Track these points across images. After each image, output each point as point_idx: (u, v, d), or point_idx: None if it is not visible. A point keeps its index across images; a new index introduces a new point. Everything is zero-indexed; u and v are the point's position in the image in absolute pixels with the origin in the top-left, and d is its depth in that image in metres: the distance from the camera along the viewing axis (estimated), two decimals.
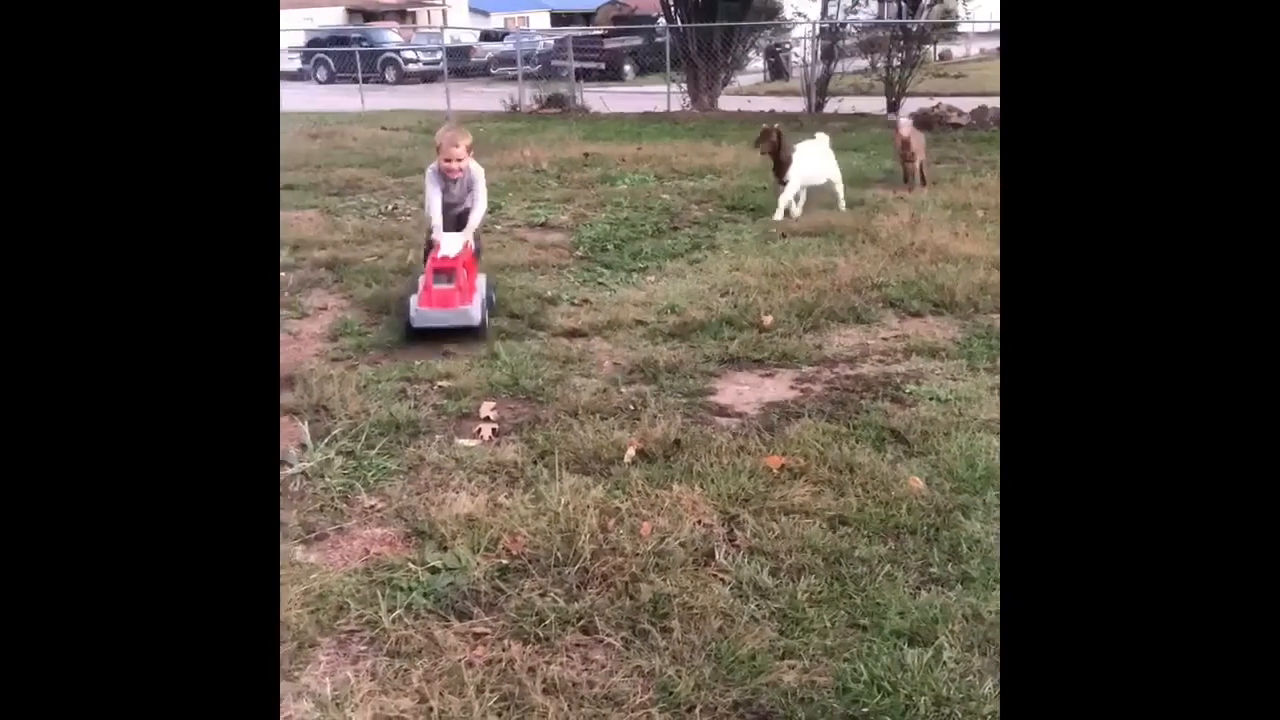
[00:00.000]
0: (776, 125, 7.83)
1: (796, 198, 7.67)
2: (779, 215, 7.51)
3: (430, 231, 5.04)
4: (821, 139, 7.98)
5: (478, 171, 5.17)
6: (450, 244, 4.83)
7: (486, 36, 33.10)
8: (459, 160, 5.04)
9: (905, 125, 8.77)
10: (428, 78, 26.73)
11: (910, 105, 15.07)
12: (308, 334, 5.07)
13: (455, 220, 5.14)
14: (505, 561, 2.81)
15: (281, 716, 2.25)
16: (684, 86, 17.90)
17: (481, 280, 4.94)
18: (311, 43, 29.65)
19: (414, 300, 4.69)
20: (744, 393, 4.20)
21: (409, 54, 29.24)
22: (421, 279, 4.82)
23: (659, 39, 19.86)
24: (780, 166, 7.59)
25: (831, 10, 17.85)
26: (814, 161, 7.75)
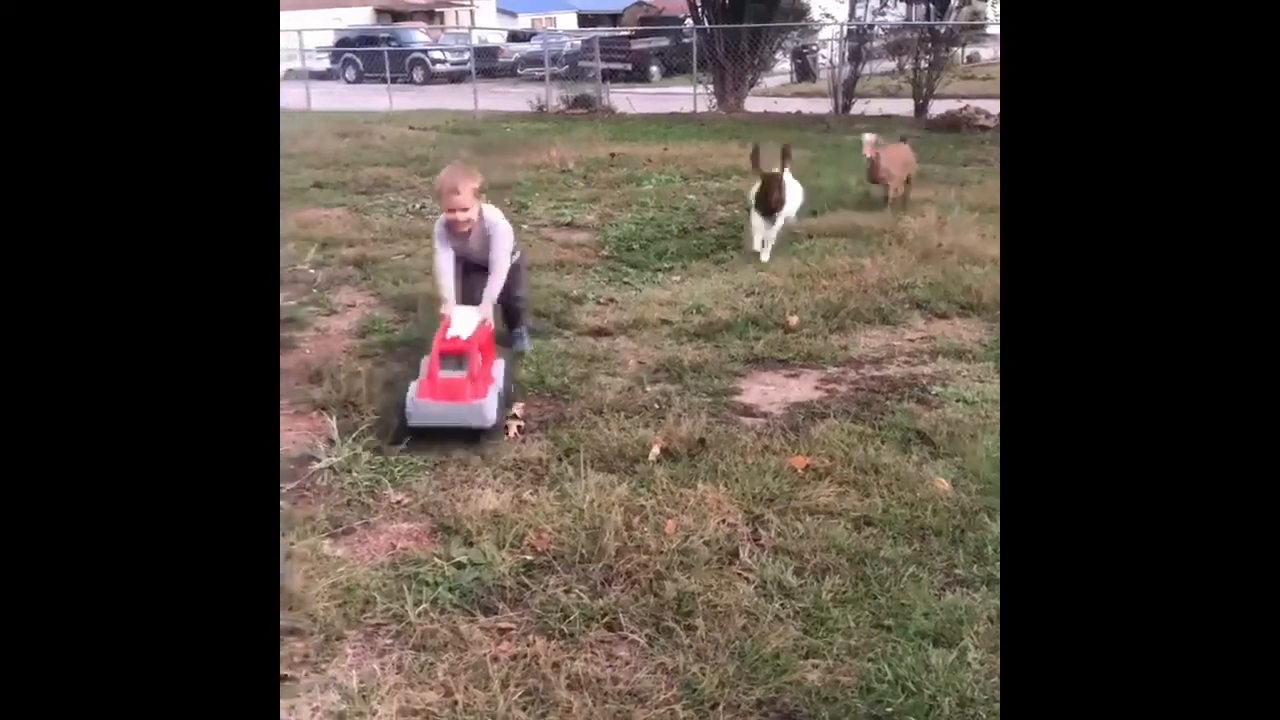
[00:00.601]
0: (786, 144, 6.75)
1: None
2: (765, 255, 6.36)
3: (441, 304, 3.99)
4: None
5: (496, 220, 4.04)
6: (463, 322, 3.81)
7: (514, 37, 33.23)
8: (464, 210, 3.92)
9: (869, 144, 7.65)
10: (455, 78, 26.81)
11: (938, 107, 15.02)
12: (336, 330, 5.11)
13: (475, 285, 4.09)
14: (530, 558, 2.83)
15: (309, 708, 2.28)
16: (710, 87, 17.90)
17: (499, 366, 3.88)
18: (340, 42, 29.84)
19: (413, 389, 3.62)
20: (769, 392, 4.20)
21: (437, 54, 29.37)
22: (425, 361, 3.77)
23: (685, 40, 19.85)
24: (776, 201, 6.31)
25: (859, 12, 17.80)
26: (797, 190, 6.71)
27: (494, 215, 4.02)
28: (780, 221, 6.47)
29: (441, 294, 4.01)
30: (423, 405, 3.56)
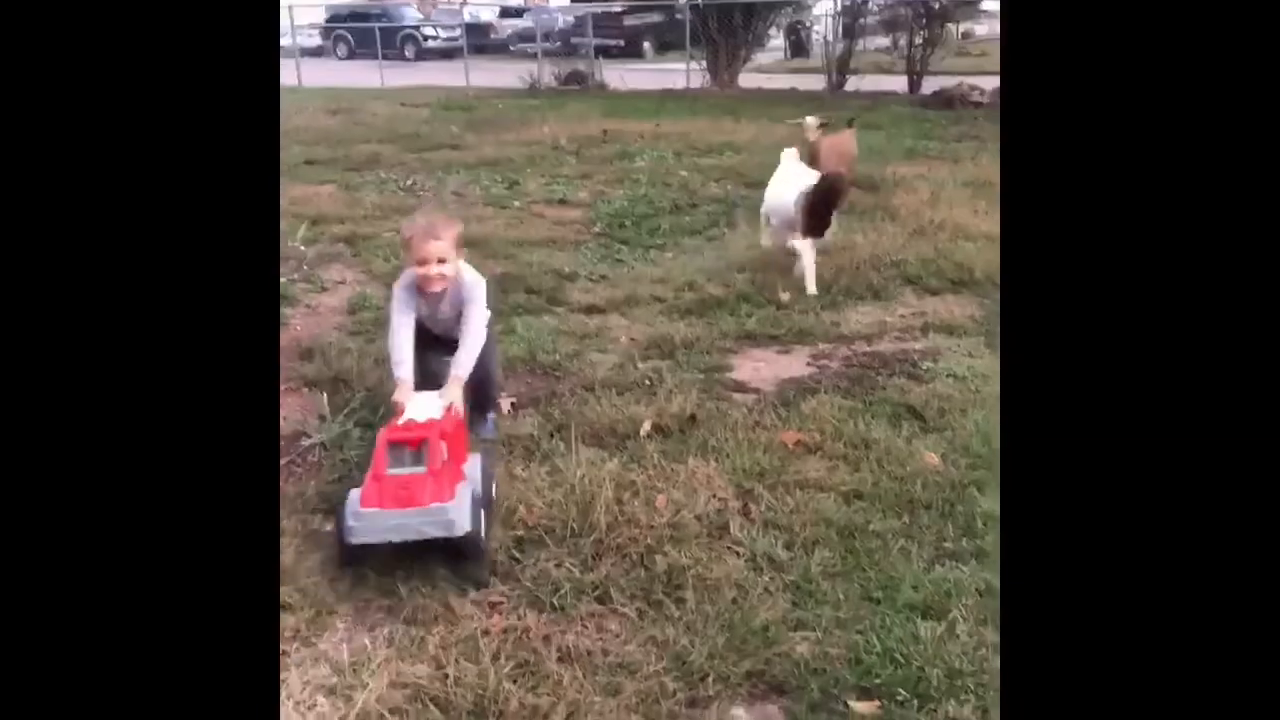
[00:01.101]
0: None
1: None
2: (811, 285, 5.12)
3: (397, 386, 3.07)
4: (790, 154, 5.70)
5: (473, 281, 3.19)
6: (421, 411, 2.90)
7: (506, 13, 32.89)
8: (440, 262, 3.07)
9: (810, 128, 6.62)
10: (447, 54, 26.63)
11: (932, 84, 14.96)
12: (326, 308, 5.10)
13: (434, 362, 3.23)
14: (521, 533, 2.83)
15: (300, 681, 2.29)
16: (704, 64, 17.80)
17: (475, 462, 2.89)
18: (332, 19, 29.59)
19: (353, 497, 2.66)
20: (760, 369, 4.21)
21: (429, 30, 29.15)
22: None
23: (679, 16, 19.71)
24: (825, 219, 5.14)
25: None
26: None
27: (471, 275, 3.17)
28: (828, 238, 5.27)
29: (395, 373, 3.08)
30: (368, 516, 2.61)
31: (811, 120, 6.86)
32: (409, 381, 3.06)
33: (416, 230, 3.09)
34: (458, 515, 2.61)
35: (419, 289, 3.14)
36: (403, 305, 3.15)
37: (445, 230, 3.09)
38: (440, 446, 2.72)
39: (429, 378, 3.17)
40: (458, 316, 3.18)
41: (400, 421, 2.83)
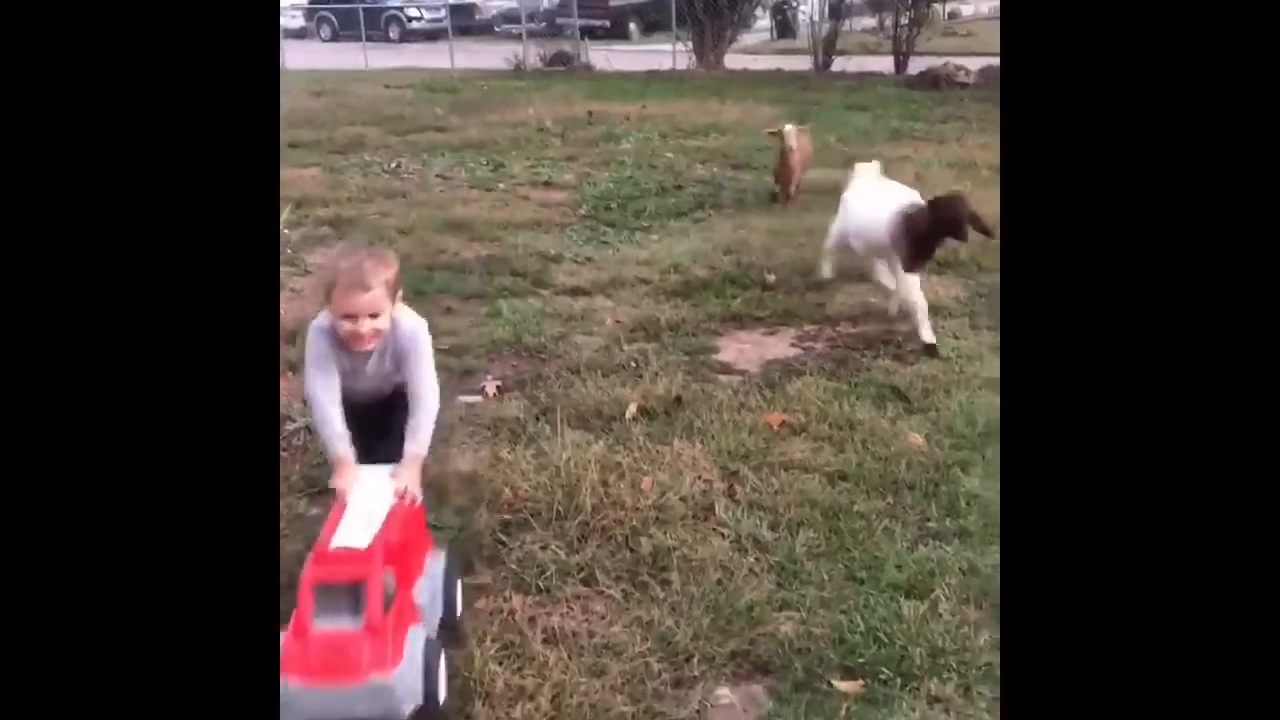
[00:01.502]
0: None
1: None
2: (929, 335, 4.11)
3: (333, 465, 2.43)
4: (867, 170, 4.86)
5: (412, 328, 2.47)
6: (365, 507, 2.25)
7: None
8: (373, 318, 2.35)
9: (792, 134, 6.36)
10: (432, 36, 26.44)
11: (918, 64, 14.94)
12: (310, 290, 5.07)
13: (374, 425, 2.52)
14: (507, 515, 2.84)
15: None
16: (689, 45, 17.73)
17: (438, 564, 2.38)
18: (315, 0, 29.35)
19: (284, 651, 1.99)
20: (746, 350, 4.21)
21: (413, 11, 28.89)
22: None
23: None
24: (929, 251, 4.21)
25: None
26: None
27: (410, 321, 2.47)
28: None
29: (331, 449, 2.42)
30: (295, 692, 1.94)
31: (790, 128, 6.52)
32: (350, 458, 2.39)
33: (340, 277, 2.33)
34: (405, 689, 2.01)
35: (342, 344, 2.42)
36: (325, 359, 2.42)
37: (376, 275, 2.32)
38: (381, 588, 2.05)
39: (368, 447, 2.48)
40: (388, 375, 2.51)
41: (334, 541, 2.15)
